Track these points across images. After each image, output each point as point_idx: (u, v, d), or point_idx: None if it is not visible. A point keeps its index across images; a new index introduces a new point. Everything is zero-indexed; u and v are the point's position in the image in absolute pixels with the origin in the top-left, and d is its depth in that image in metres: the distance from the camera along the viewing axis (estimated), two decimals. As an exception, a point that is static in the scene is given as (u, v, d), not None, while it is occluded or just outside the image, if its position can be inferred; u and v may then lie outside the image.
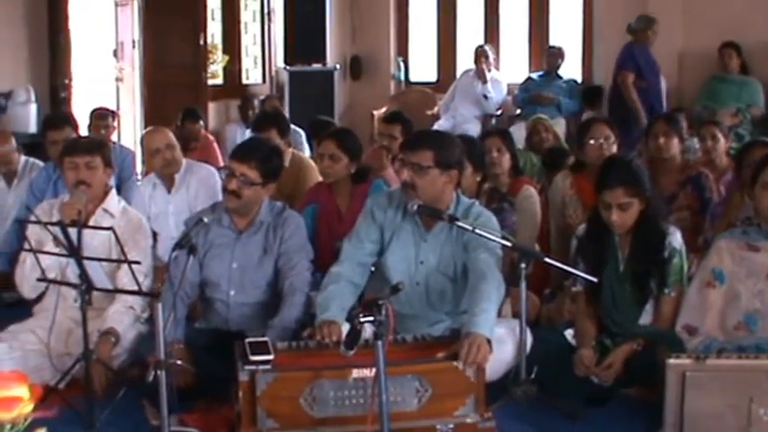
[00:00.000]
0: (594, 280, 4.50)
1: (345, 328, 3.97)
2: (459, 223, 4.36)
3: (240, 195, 4.75)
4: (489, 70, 11.08)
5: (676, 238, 4.69)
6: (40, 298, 5.24)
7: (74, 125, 7.04)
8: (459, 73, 11.76)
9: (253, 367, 3.88)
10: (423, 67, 12.62)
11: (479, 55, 11.13)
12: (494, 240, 4.34)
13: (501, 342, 4.37)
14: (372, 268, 4.72)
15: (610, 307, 4.69)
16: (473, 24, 12.05)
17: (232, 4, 12.00)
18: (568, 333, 4.80)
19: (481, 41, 11.61)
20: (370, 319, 3.45)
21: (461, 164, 4.65)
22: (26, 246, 4.77)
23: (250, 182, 4.74)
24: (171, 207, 6.46)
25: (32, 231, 4.88)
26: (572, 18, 11.42)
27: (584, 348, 4.57)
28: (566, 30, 11.54)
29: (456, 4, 12.25)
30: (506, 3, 11.87)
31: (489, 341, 4.00)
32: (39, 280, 4.68)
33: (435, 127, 10.68)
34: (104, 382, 4.61)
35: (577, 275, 4.59)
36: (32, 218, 5.02)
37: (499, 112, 11.15)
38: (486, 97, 10.97)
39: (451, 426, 3.97)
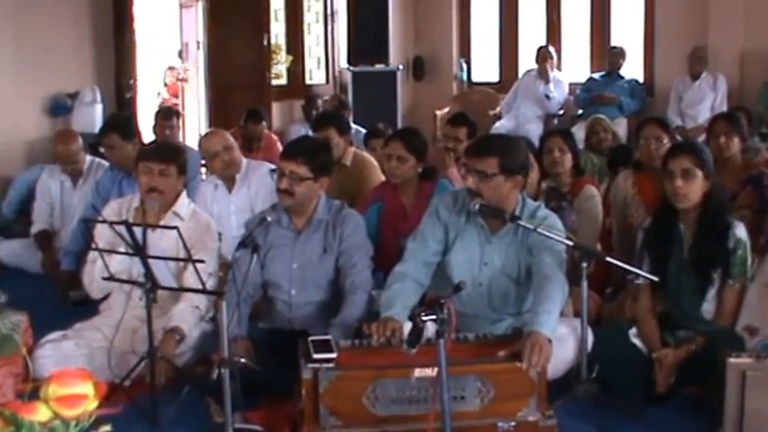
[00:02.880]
0: (656, 279, 4.48)
1: (407, 326, 3.96)
2: (521, 223, 4.36)
3: (293, 193, 4.78)
4: (551, 70, 11.05)
5: (741, 230, 4.68)
6: (106, 296, 5.32)
7: (121, 130, 7.04)
8: (521, 73, 11.74)
9: (316, 365, 3.89)
10: (485, 67, 12.60)
11: (541, 55, 11.11)
12: (556, 240, 4.33)
13: (562, 341, 4.37)
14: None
15: (676, 296, 4.67)
16: (535, 24, 12.02)
17: (295, 6, 12.09)
18: (632, 333, 4.76)
19: (543, 42, 11.58)
20: (433, 317, 3.44)
21: (526, 168, 4.64)
22: (93, 245, 4.84)
23: (300, 178, 4.77)
24: (232, 207, 6.50)
25: (101, 232, 4.95)
26: (633, 18, 11.35)
27: (661, 349, 4.56)
28: (627, 29, 11.47)
29: (518, 5, 12.23)
30: (568, 3, 11.82)
31: (551, 341, 3.98)
32: (105, 279, 4.72)
33: (497, 126, 10.68)
34: (169, 379, 4.65)
35: (639, 274, 4.57)
36: (99, 218, 5.09)
37: (561, 112, 11.11)
38: (548, 97, 10.94)
39: (513, 424, 3.96)
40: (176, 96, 13.02)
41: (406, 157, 5.78)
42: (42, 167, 8.56)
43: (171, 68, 13.41)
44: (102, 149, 7.19)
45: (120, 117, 8.42)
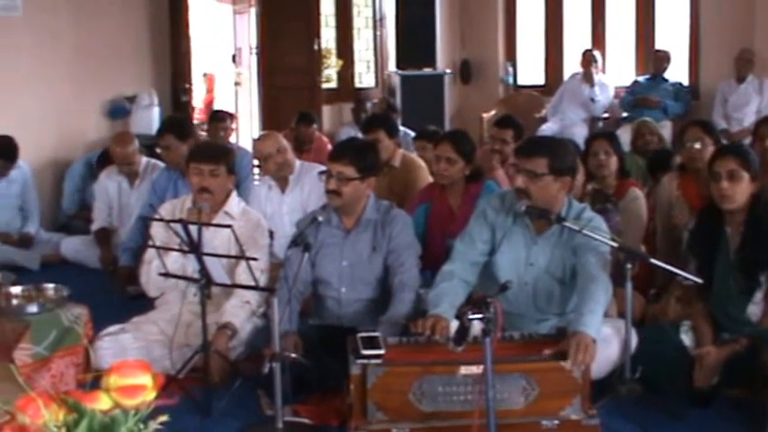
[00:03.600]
0: (700, 281, 4.45)
1: (454, 325, 3.97)
2: (567, 224, 4.39)
3: (341, 193, 4.85)
4: (596, 73, 11.02)
5: None
6: (162, 292, 5.43)
7: (177, 131, 7.17)
8: (566, 76, 11.69)
9: (364, 361, 3.95)
10: (530, 70, 12.56)
11: (586, 58, 11.07)
12: (601, 241, 4.35)
13: (606, 341, 4.40)
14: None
15: (722, 298, 4.64)
16: (580, 28, 11.95)
17: (345, 11, 12.15)
18: (683, 329, 4.75)
19: (588, 45, 11.52)
20: (479, 316, 3.45)
21: (574, 170, 4.67)
22: (150, 243, 4.97)
23: (347, 178, 4.84)
24: (285, 207, 6.59)
25: (157, 231, 5.06)
26: (679, 21, 11.24)
27: (705, 346, 4.54)
28: (672, 32, 11.33)
29: (563, 8, 12.17)
30: (613, 6, 11.74)
31: (595, 341, 4.02)
32: (161, 275, 4.82)
33: (542, 129, 10.65)
34: (222, 372, 4.75)
35: (682, 276, 4.51)
36: (156, 216, 5.21)
37: (606, 115, 11.04)
38: (593, 100, 10.90)
39: (556, 422, 3.99)
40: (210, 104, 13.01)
41: (455, 159, 5.83)
42: (87, 157, 8.77)
43: (205, 75, 13.44)
44: (158, 150, 7.34)
45: (176, 119, 8.52)
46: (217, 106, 9.77)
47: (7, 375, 4.02)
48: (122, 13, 9.78)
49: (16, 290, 5.02)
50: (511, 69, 12.48)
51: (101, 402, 1.92)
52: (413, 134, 8.62)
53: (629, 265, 4.34)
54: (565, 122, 10.95)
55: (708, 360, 4.47)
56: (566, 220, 4.42)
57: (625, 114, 10.72)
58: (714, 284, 4.64)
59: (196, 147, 5.91)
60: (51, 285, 5.04)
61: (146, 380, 1.93)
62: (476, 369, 3.85)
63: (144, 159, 7.78)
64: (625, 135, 8.45)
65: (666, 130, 9.58)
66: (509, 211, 4.65)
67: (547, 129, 10.71)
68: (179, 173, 6.77)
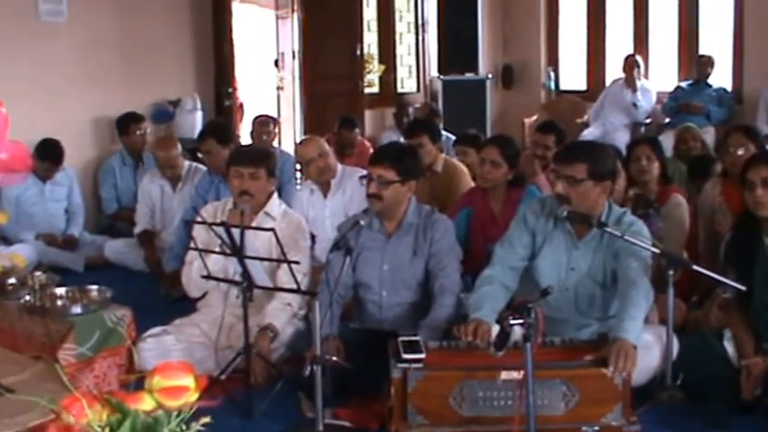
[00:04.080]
0: (743, 288, 4.40)
1: (495, 330, 3.98)
2: (609, 229, 4.37)
3: (381, 197, 4.86)
4: (639, 79, 10.95)
5: None
6: (204, 294, 5.47)
7: (218, 136, 7.23)
8: (608, 82, 11.63)
9: (405, 365, 3.96)
10: (572, 75, 12.51)
11: (629, 63, 11.00)
12: (643, 247, 4.34)
13: (647, 348, 4.39)
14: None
15: (761, 308, 4.58)
16: (622, 33, 11.87)
17: (387, 16, 12.18)
18: (727, 337, 4.70)
19: (630, 50, 11.46)
20: (520, 321, 3.44)
21: (614, 174, 4.66)
22: (192, 245, 5.00)
23: (387, 181, 4.85)
24: (327, 211, 6.60)
25: (199, 233, 5.09)
26: (722, 26, 11.14)
27: (751, 357, 4.48)
28: (716, 37, 11.23)
29: (605, 14, 12.12)
30: (656, 11, 11.65)
31: (636, 347, 4.01)
32: (203, 277, 4.84)
33: (584, 134, 10.62)
34: (263, 374, 4.78)
35: (725, 283, 4.49)
36: (198, 219, 5.25)
37: (648, 121, 10.97)
38: (635, 106, 10.83)
39: (597, 429, 3.97)
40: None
41: (500, 162, 5.85)
42: (116, 154, 8.86)
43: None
44: (200, 155, 7.40)
45: (218, 123, 8.59)
46: (259, 111, 9.76)
47: (52, 375, 4.08)
48: (166, 17, 9.85)
49: (61, 291, 5.08)
50: (553, 74, 12.44)
51: (144, 403, 1.94)
52: (454, 139, 8.61)
53: (671, 272, 4.34)
54: (607, 128, 10.90)
55: (756, 370, 4.43)
56: (607, 225, 4.40)
57: (668, 120, 10.65)
58: (753, 294, 4.57)
59: (236, 150, 5.95)
60: (95, 287, 5.09)
61: (188, 381, 1.94)
62: (516, 374, 3.83)
63: (186, 163, 7.85)
64: (667, 141, 8.40)
65: (710, 135, 9.50)
66: (549, 216, 4.65)
67: (589, 134, 10.68)
68: (220, 177, 6.81)
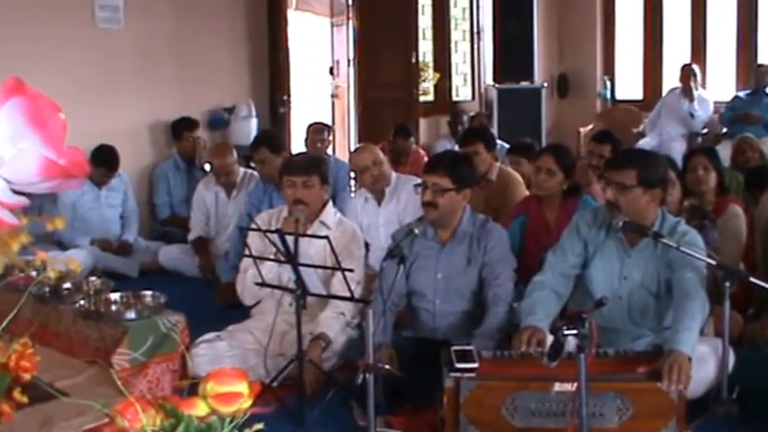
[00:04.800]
0: None
1: (547, 340, 3.95)
2: (664, 240, 4.33)
3: (436, 205, 4.86)
4: (696, 88, 10.86)
5: None
6: (258, 301, 5.48)
7: (271, 145, 7.26)
8: (665, 91, 11.56)
9: (458, 374, 3.96)
10: (629, 85, 12.46)
11: (686, 73, 10.92)
12: (698, 258, 4.30)
13: (703, 360, 4.33)
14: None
15: None
16: (680, 42, 11.80)
17: (443, 24, 12.18)
18: None
19: (688, 59, 11.39)
20: (574, 332, 3.43)
21: (665, 182, 4.62)
22: (246, 252, 5.02)
23: (442, 189, 4.85)
24: (381, 219, 6.62)
25: (253, 241, 5.11)
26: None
27: None
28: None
29: (663, 22, 12.05)
30: (714, 20, 11.56)
31: (690, 359, 3.97)
32: (257, 284, 4.85)
33: (640, 145, 10.54)
34: (315, 382, 4.78)
35: None
36: (253, 225, 5.27)
37: (705, 131, 10.89)
38: (692, 115, 10.74)
39: (651, 442, 3.94)
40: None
41: (555, 171, 5.84)
42: (169, 159, 8.91)
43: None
44: (252, 164, 7.43)
45: (270, 132, 8.63)
46: (314, 118, 9.80)
47: (105, 379, 4.11)
48: (222, 25, 9.91)
49: (115, 296, 5.11)
50: (609, 83, 12.39)
51: (197, 408, 1.94)
52: (508, 147, 8.60)
53: (727, 284, 4.30)
54: (663, 138, 10.83)
55: None
56: (663, 236, 4.36)
57: (725, 130, 10.56)
58: None
59: (288, 159, 5.96)
60: (149, 292, 5.12)
61: (242, 388, 1.94)
62: (569, 386, 3.82)
63: (241, 170, 7.89)
64: (725, 151, 8.32)
65: (767, 146, 9.40)
66: (602, 225, 4.63)
67: (645, 144, 10.60)
68: (273, 186, 6.84)
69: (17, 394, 1.86)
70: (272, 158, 7.01)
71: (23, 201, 1.31)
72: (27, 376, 1.87)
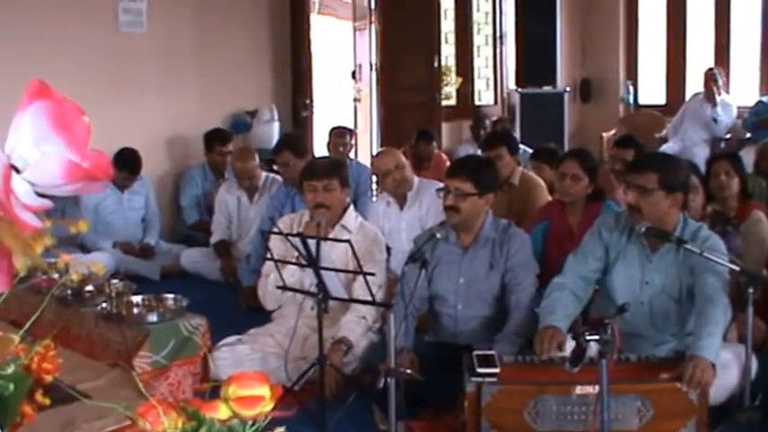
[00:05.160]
0: None
1: (569, 346, 3.89)
2: (687, 246, 4.31)
3: (459, 209, 4.85)
4: (719, 93, 10.80)
5: None
6: (279, 305, 5.49)
7: (294, 148, 7.26)
8: (688, 96, 11.51)
9: (479, 379, 3.96)
10: (652, 89, 12.40)
11: (709, 78, 10.86)
12: (722, 264, 4.27)
13: (725, 367, 4.30)
14: (596, 286, 4.75)
15: None
16: (703, 47, 11.74)
17: (465, 28, 12.17)
18: None
19: (711, 64, 11.33)
20: (596, 337, 3.41)
21: (687, 186, 4.60)
22: (268, 255, 5.02)
23: (464, 193, 4.84)
24: (403, 223, 6.61)
25: (275, 245, 5.11)
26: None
27: None
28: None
29: (686, 27, 11.99)
30: (737, 24, 11.50)
31: (713, 365, 3.96)
32: (279, 288, 4.87)
33: (663, 150, 10.48)
34: (336, 386, 4.79)
35: None
36: (275, 229, 5.28)
37: (728, 136, 10.81)
38: (715, 120, 10.68)
39: (671, 445, 3.93)
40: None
41: (581, 176, 5.82)
42: (198, 166, 8.93)
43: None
44: (275, 167, 7.44)
45: (293, 136, 8.65)
46: (336, 122, 9.80)
47: (127, 382, 4.12)
48: (245, 28, 9.94)
49: (137, 299, 5.14)
50: (631, 88, 12.35)
51: (219, 412, 1.94)
52: (531, 152, 8.58)
53: (750, 290, 4.28)
54: (686, 143, 10.78)
55: None
56: (686, 241, 4.34)
57: (748, 135, 10.49)
58: None
59: (307, 164, 5.96)
60: (171, 295, 5.14)
61: (264, 391, 1.94)
62: (591, 389, 3.82)
63: (264, 174, 7.90)
64: (748, 156, 8.26)
65: (791, 152, 9.34)
66: (624, 230, 4.62)
67: (667, 149, 10.54)
68: (296, 189, 6.84)
69: (39, 396, 1.86)
70: (296, 162, 6.99)
71: (47, 203, 1.32)
72: (49, 378, 1.88)
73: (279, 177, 7.64)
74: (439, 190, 5.07)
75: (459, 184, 4.86)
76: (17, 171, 1.28)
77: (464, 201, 4.85)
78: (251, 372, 2.02)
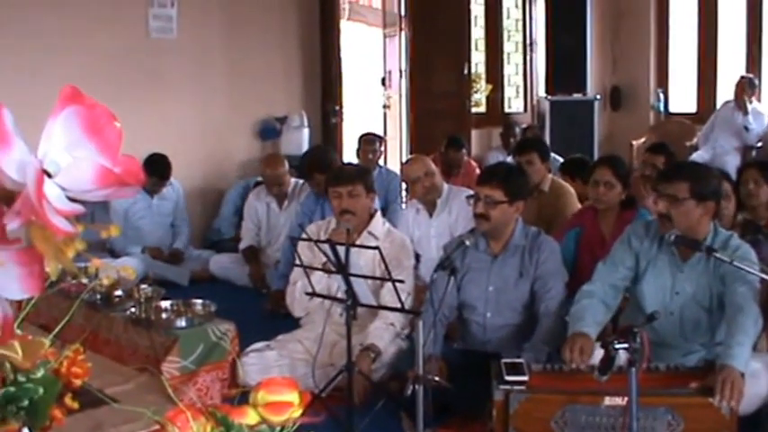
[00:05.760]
0: None
1: (598, 354, 3.86)
2: (718, 255, 4.26)
3: (489, 217, 4.85)
4: (750, 101, 10.74)
5: None
6: (306, 312, 5.50)
7: (320, 168, 7.23)
8: (719, 104, 11.45)
9: (507, 387, 3.95)
10: (682, 97, 12.34)
11: (740, 86, 10.78)
12: (752, 273, 4.22)
13: (755, 376, 4.25)
14: (626, 294, 4.72)
15: None
16: (734, 55, 11.68)
17: (495, 35, 12.17)
18: None
19: (742, 72, 11.26)
20: (625, 345, 3.40)
21: (718, 195, 4.58)
22: (296, 262, 5.03)
23: (495, 201, 4.83)
24: (433, 230, 6.60)
25: (303, 251, 5.12)
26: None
27: None
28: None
29: (717, 35, 11.92)
30: (770, 32, 11.47)
31: (743, 375, 3.93)
32: (308, 294, 4.85)
33: (694, 158, 10.44)
34: (364, 393, 4.79)
35: None
36: (304, 236, 5.29)
37: (759, 144, 10.75)
38: (746, 129, 10.61)
39: (702, 458, 3.89)
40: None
41: (614, 183, 5.81)
42: (247, 181, 8.93)
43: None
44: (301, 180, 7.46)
45: (318, 154, 8.67)
46: (365, 129, 9.82)
47: (155, 387, 4.13)
48: (274, 34, 9.98)
49: (166, 304, 5.15)
50: (662, 96, 12.29)
51: (248, 417, 1.94)
52: (561, 160, 8.56)
53: (781, 299, 4.23)
54: (717, 151, 10.71)
55: None
56: (716, 250, 4.30)
57: (780, 144, 10.43)
58: None
59: (332, 172, 5.97)
60: (199, 301, 5.16)
61: (293, 397, 1.94)
62: (620, 400, 3.79)
63: (293, 180, 7.91)
64: (779, 165, 8.21)
65: (823, 161, 9.28)
66: (654, 239, 4.59)
67: (698, 157, 10.48)
68: (325, 197, 6.86)
69: (68, 400, 1.87)
70: (322, 179, 7.03)
71: (79, 208, 1.32)
72: (78, 382, 1.89)
73: (303, 182, 7.68)
74: (469, 197, 5.07)
75: (489, 191, 4.86)
76: (49, 176, 1.28)
77: (494, 208, 4.85)
78: (280, 378, 2.02)
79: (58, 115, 1.30)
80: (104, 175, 1.30)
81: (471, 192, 5.12)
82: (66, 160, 1.29)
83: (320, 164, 7.24)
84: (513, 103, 12.55)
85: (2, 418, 1.73)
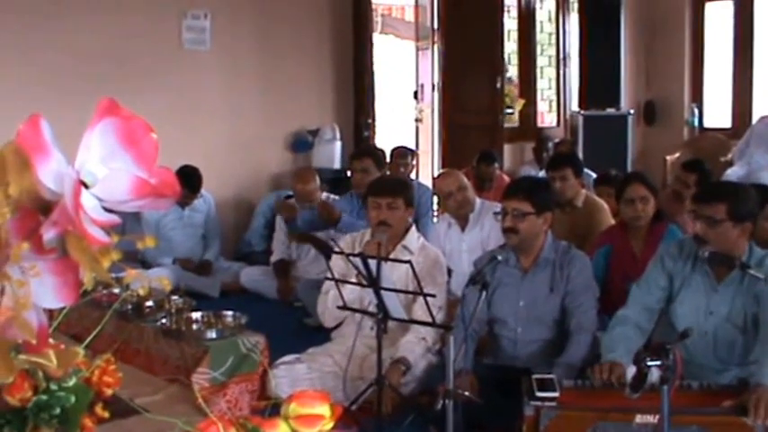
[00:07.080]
0: None
1: (630, 371, 3.86)
2: (752, 271, 4.24)
3: (517, 230, 4.84)
4: (787, 116, 10.67)
5: None
6: (338, 324, 5.51)
7: (376, 158, 7.36)
8: (755, 119, 11.37)
9: (538, 403, 3.93)
10: (717, 112, 12.27)
11: (776, 100, 10.75)
12: None
13: (790, 396, 4.24)
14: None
15: None
16: (771, 69, 11.64)
17: (528, 49, 12.16)
18: None
19: (780, 85, 11.21)
20: (658, 363, 3.35)
21: (755, 216, 4.54)
22: (329, 275, 5.04)
23: (522, 213, 4.83)
24: (464, 245, 6.60)
25: (336, 263, 5.14)
26: None
27: None
28: None
29: (753, 49, 11.85)
30: (807, 47, 11.40)
31: (778, 394, 3.90)
32: (339, 308, 4.90)
33: (728, 173, 10.37)
34: (394, 407, 4.78)
35: None
36: (336, 249, 5.30)
37: (796, 160, 10.69)
38: (782, 144, 10.56)
39: (735, 479, 3.86)
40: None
41: (649, 197, 5.82)
42: (278, 194, 8.95)
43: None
44: (349, 173, 7.48)
45: (376, 147, 8.73)
46: (397, 142, 9.83)
47: (185, 398, 4.13)
48: (307, 47, 10.01)
49: (196, 315, 5.16)
50: (697, 111, 12.22)
51: (279, 429, 1.95)
52: (594, 175, 8.52)
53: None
54: (752, 167, 10.61)
55: None
56: (749, 267, 4.27)
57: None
58: None
59: (374, 180, 5.99)
60: (230, 312, 5.16)
61: (324, 410, 1.94)
62: (651, 418, 3.77)
63: (324, 195, 7.91)
64: (816, 182, 8.14)
65: None
66: (688, 258, 4.55)
67: (733, 173, 10.41)
68: (360, 204, 6.87)
69: (99, 409, 1.87)
70: (374, 171, 7.08)
71: (115, 219, 1.33)
72: (109, 392, 1.89)
73: (336, 197, 7.67)
74: (497, 213, 5.06)
75: (516, 204, 4.85)
76: (86, 187, 1.29)
77: (522, 221, 4.84)
78: (311, 391, 2.02)
79: (94, 127, 1.31)
80: (140, 186, 1.31)
81: (504, 206, 5.10)
82: (102, 171, 1.30)
83: (374, 152, 7.42)
84: (546, 117, 12.54)
85: (34, 425, 1.74)
